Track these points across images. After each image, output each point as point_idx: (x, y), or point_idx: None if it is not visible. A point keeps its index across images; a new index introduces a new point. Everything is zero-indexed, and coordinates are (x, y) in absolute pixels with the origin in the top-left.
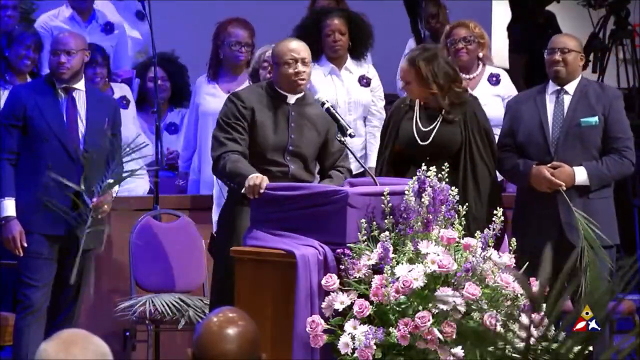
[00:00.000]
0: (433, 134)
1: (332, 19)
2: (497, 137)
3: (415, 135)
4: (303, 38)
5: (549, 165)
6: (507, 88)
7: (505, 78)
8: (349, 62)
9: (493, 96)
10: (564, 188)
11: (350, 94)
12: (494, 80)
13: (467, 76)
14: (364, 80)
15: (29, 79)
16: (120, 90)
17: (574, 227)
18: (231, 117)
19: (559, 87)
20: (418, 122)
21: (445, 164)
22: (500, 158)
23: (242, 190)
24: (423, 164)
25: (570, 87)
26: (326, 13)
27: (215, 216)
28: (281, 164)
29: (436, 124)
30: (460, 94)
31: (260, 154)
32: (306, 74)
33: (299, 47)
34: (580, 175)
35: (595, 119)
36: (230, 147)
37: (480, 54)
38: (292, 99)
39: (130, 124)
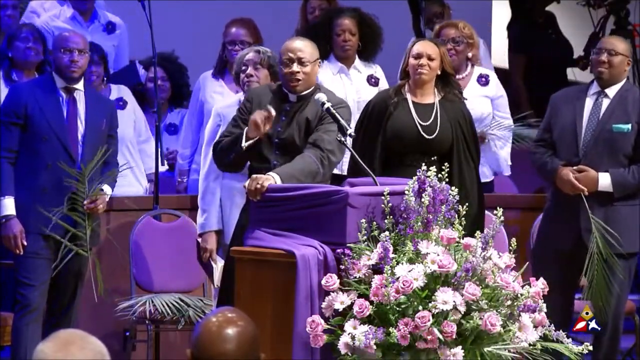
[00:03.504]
0: (437, 129)
1: (344, 19)
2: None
3: (420, 129)
4: (314, 36)
5: (574, 167)
6: (496, 89)
7: (493, 79)
8: (357, 62)
9: (481, 97)
10: (586, 193)
11: (359, 93)
12: (483, 81)
13: (457, 76)
14: (373, 80)
15: (36, 75)
16: (117, 91)
17: (593, 234)
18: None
19: (600, 89)
20: (417, 116)
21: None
22: (533, 152)
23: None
24: (423, 159)
25: (612, 90)
26: (338, 12)
27: (200, 219)
28: (266, 160)
29: (435, 118)
30: (453, 91)
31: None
32: (301, 74)
33: (296, 47)
34: (604, 181)
35: (628, 126)
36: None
37: (470, 54)
38: (293, 97)
39: (129, 126)
